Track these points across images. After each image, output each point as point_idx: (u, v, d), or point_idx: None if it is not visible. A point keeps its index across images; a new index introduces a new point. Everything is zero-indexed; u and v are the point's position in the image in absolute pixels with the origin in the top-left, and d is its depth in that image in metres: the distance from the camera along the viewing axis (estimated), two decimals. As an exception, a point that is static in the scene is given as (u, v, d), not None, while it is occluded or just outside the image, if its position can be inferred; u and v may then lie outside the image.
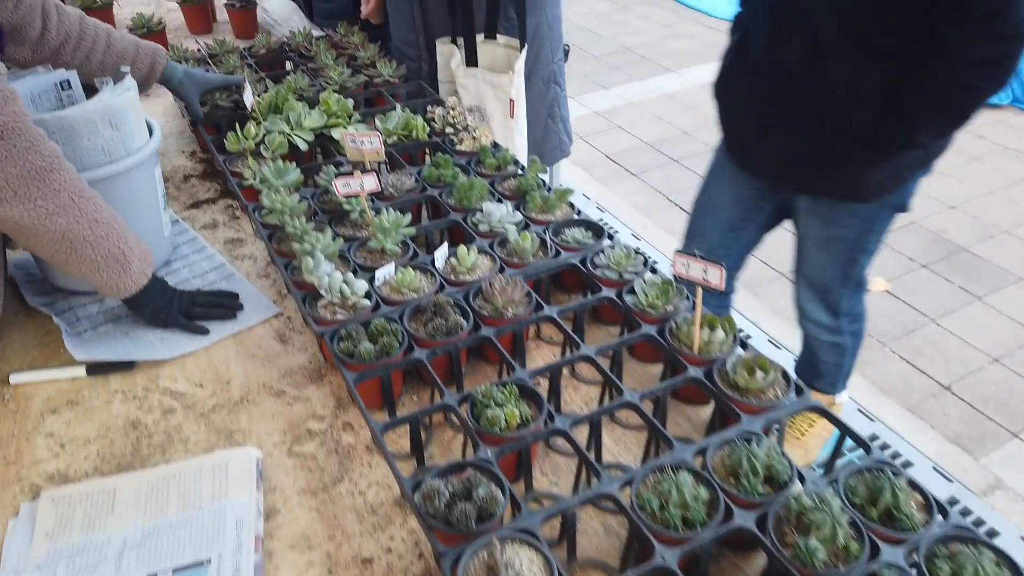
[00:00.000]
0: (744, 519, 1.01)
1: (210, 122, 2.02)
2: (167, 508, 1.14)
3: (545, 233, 1.57)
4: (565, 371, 1.42)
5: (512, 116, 2.20)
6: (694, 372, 1.24)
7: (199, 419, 1.31)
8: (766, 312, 3.28)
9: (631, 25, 6.62)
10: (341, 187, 1.50)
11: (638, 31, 6.49)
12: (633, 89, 5.43)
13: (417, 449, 1.21)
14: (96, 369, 1.40)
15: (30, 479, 1.19)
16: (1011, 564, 0.96)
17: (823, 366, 2.39)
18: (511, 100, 2.17)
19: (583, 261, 1.50)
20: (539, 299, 1.40)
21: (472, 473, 1.05)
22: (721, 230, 2.24)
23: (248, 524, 1.10)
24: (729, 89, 2.01)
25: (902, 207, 1.97)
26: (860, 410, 2.77)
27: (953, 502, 2.41)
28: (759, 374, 1.20)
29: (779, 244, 3.67)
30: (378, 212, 1.55)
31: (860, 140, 1.76)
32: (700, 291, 1.25)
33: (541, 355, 1.47)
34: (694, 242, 2.30)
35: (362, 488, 1.19)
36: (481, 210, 1.62)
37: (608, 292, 1.42)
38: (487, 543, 0.94)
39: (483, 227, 1.60)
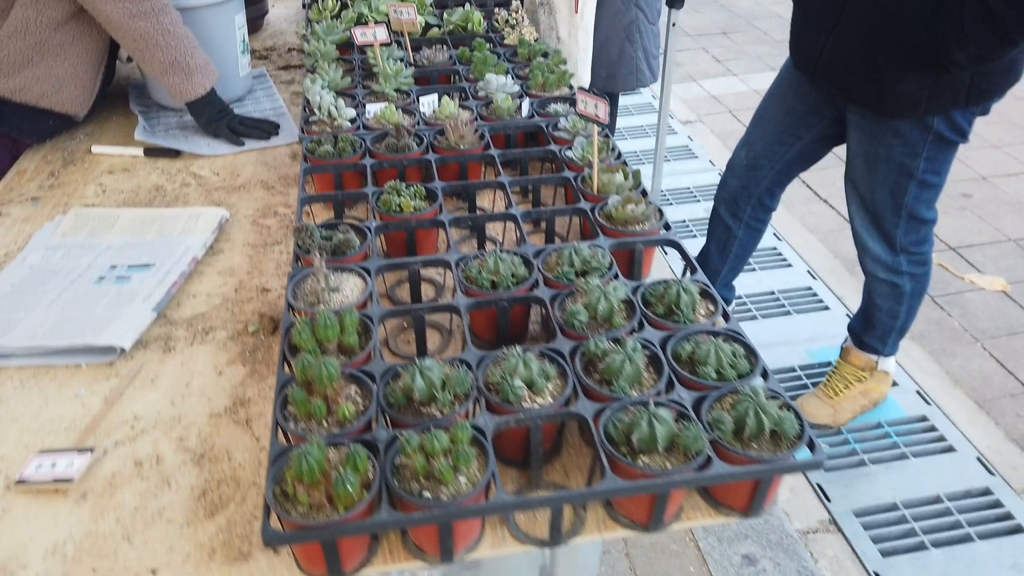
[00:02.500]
0: (543, 292, 1.15)
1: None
2: (148, 234, 1.48)
3: (532, 103, 1.74)
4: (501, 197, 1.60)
5: (576, 11, 2.33)
6: (584, 205, 1.38)
7: (204, 193, 1.65)
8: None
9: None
10: (359, 35, 1.78)
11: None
12: (804, 75, 5.25)
13: (339, 215, 1.47)
14: (151, 152, 1.79)
15: (72, 205, 1.60)
16: (751, 352, 1.03)
17: (877, 313, 2.31)
18: (575, -7, 2.30)
19: (548, 125, 1.66)
20: (491, 143, 1.59)
21: (345, 228, 1.29)
22: (767, 140, 2.26)
23: (192, 250, 1.42)
24: None
25: (946, 138, 1.89)
26: (919, 391, 2.63)
27: (986, 492, 2.26)
28: (630, 206, 1.31)
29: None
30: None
31: (901, 43, 1.74)
32: (596, 130, 1.38)
33: (489, 194, 1.64)
34: (743, 149, 2.34)
35: (292, 249, 1.46)
36: (484, 79, 1.83)
37: (554, 147, 1.58)
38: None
39: (482, 93, 1.81)
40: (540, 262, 1.22)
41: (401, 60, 1.95)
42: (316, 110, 1.65)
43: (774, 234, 3.47)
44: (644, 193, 1.42)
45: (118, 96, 2.06)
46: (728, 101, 4.86)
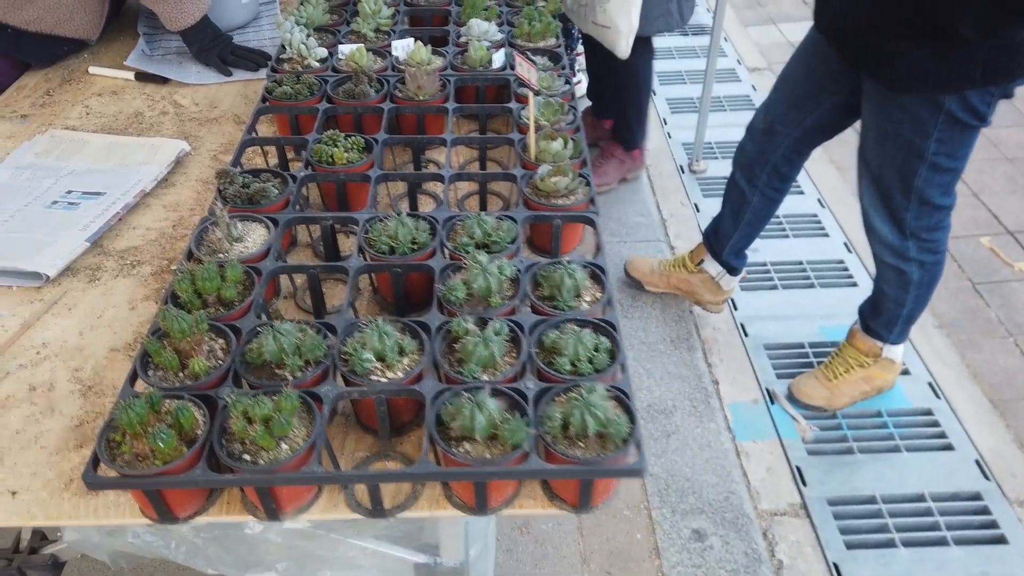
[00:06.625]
0: (437, 262, 1.14)
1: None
2: (110, 161, 1.54)
3: (508, 54, 1.69)
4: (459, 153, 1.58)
5: None
6: (516, 171, 1.34)
7: (178, 123, 1.69)
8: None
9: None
10: (343, -29, 1.75)
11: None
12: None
13: (282, 161, 1.49)
14: (142, 77, 1.84)
15: (55, 125, 1.67)
16: (617, 346, 1.00)
17: (883, 299, 2.19)
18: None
19: (515, 80, 1.61)
20: (454, 95, 1.55)
21: (267, 176, 1.30)
22: (784, 105, 2.14)
23: (143, 183, 1.46)
24: None
25: (961, 120, 1.73)
26: (931, 383, 2.50)
27: (975, 497, 2.16)
28: (554, 178, 1.27)
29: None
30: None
31: (904, 9, 1.60)
32: (531, 96, 1.33)
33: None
34: (762, 112, 2.22)
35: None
36: (468, 24, 1.77)
37: (513, 105, 1.53)
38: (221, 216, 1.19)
39: (463, 39, 1.76)
40: (446, 231, 1.20)
41: (397, -4, 1.92)
42: (287, 47, 1.65)
43: (818, 200, 3.30)
44: (585, 162, 1.37)
45: (133, 16, 2.11)
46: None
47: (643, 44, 2.78)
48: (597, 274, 1.12)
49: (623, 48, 2.15)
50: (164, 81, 1.83)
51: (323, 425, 0.91)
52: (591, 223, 1.25)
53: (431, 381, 0.97)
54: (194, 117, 1.71)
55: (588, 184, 1.29)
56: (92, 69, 1.87)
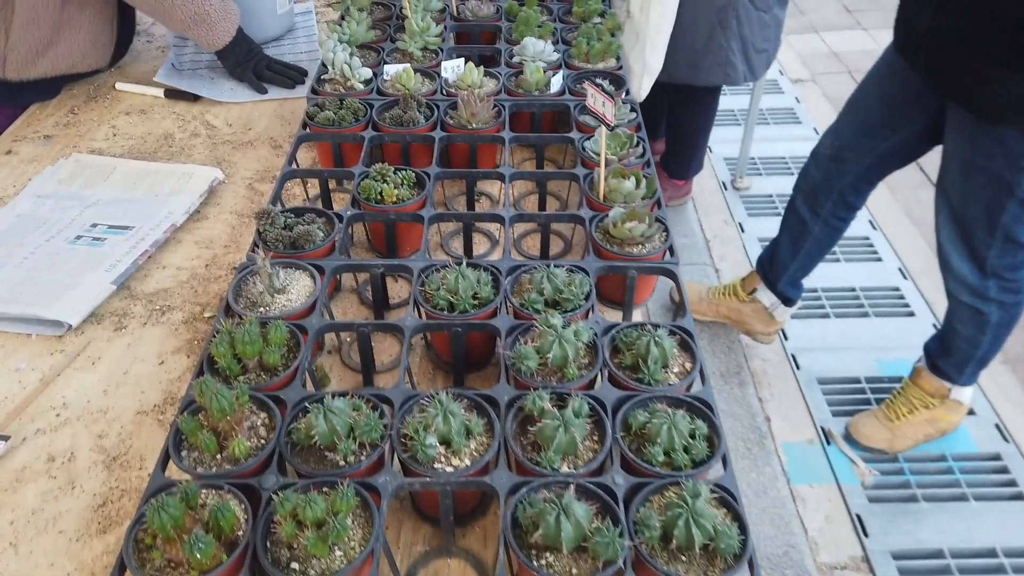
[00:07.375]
0: (502, 322, 1.02)
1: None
2: (138, 189, 1.43)
3: (566, 77, 1.56)
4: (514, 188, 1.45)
5: None
6: (583, 213, 1.21)
7: (210, 146, 1.57)
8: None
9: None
10: (388, -14, 1.62)
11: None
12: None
13: (325, 196, 1.37)
14: (172, 94, 1.73)
15: (80, 148, 1.56)
16: (715, 431, 0.87)
17: (956, 339, 2.04)
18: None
19: (576, 107, 1.48)
20: (508, 123, 1.43)
21: (311, 217, 1.18)
22: (856, 130, 1.99)
23: (173, 216, 1.35)
24: None
25: None
26: (998, 425, 2.35)
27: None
28: (629, 224, 1.14)
29: None
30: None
31: (1008, 32, 1.47)
32: (604, 131, 1.20)
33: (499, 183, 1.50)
34: (829, 136, 2.07)
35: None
36: (522, 43, 1.65)
37: (575, 135, 1.40)
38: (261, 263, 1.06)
39: (516, 59, 1.63)
40: (510, 283, 1.08)
41: (443, 11, 1.79)
42: (329, 67, 1.53)
43: (869, 222, 3.14)
44: (659, 203, 1.24)
45: (159, 29, 2.00)
46: (850, 60, 4.39)
47: (705, 94, 2.58)
48: (686, 341, 0.99)
49: (634, 89, 1.92)
50: (195, 98, 1.72)
51: (382, 526, 0.79)
52: (672, 276, 1.11)
53: (503, 472, 0.84)
54: (227, 140, 1.59)
55: (666, 230, 1.16)
56: (119, 85, 1.76)
